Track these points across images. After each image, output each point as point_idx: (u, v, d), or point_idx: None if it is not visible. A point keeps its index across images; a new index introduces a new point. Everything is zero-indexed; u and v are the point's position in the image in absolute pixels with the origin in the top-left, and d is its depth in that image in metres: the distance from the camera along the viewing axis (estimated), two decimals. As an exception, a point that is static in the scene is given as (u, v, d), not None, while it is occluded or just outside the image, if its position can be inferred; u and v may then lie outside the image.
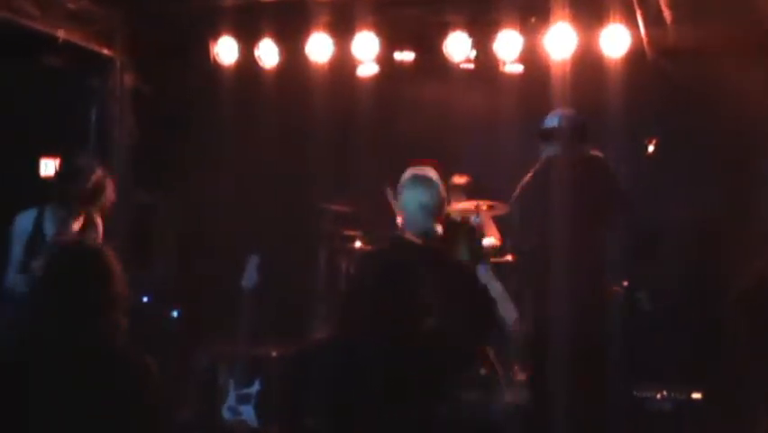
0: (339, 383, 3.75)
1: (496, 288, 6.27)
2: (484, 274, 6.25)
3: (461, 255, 6.19)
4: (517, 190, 7.18)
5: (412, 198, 5.61)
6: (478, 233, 6.55)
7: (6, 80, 8.73)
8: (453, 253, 6.24)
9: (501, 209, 8.60)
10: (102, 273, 3.80)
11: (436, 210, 5.59)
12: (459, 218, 6.33)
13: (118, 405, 3.68)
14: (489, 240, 8.25)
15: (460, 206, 8.62)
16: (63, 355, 3.67)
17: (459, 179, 8.98)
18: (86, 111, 9.10)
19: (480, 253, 6.26)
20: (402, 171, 5.92)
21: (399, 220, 5.92)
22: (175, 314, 8.84)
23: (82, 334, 3.71)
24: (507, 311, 6.30)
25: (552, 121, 7.08)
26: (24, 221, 6.63)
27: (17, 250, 6.56)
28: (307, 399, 3.81)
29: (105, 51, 8.88)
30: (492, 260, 8.52)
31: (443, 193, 5.87)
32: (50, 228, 6.60)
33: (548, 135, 7.02)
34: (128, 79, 9.10)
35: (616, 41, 8.05)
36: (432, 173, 5.77)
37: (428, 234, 5.51)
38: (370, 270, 4.07)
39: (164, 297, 8.59)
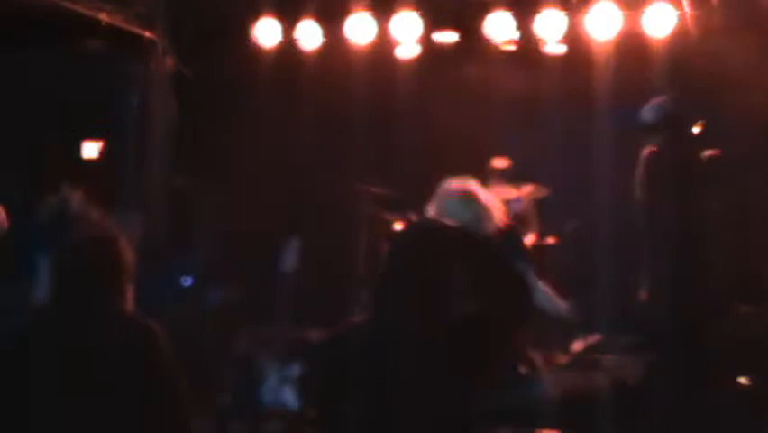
0: (373, 367, 3.65)
1: (541, 289, 6.34)
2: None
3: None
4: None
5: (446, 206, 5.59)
6: (519, 229, 6.42)
7: (50, 65, 8.76)
8: None
9: (542, 193, 8.54)
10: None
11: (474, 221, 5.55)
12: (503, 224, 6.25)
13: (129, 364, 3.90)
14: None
15: (501, 190, 8.55)
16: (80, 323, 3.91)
17: (499, 163, 8.90)
18: (127, 95, 9.17)
19: (527, 259, 6.20)
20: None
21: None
22: (216, 297, 8.74)
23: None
24: (556, 307, 6.49)
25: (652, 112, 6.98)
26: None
27: None
28: (344, 382, 3.79)
29: (147, 34, 8.89)
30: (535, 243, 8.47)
31: (485, 211, 5.80)
32: None
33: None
34: (169, 63, 9.11)
35: (660, 20, 7.96)
36: (473, 187, 5.71)
37: None
38: (400, 252, 3.95)
39: (205, 280, 8.50)
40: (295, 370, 7.47)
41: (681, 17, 7.96)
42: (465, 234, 3.94)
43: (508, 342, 4.05)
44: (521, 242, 6.40)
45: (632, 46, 8.14)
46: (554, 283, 7.47)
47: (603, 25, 8.09)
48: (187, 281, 8.60)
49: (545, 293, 6.42)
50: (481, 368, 3.74)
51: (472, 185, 6.01)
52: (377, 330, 3.67)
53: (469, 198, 5.91)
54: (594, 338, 8.24)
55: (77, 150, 9.46)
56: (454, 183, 5.92)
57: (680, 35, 8.06)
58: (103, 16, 8.21)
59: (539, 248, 8.57)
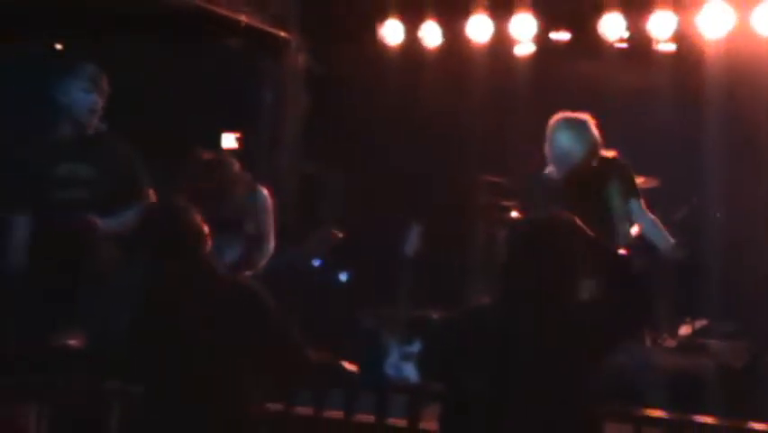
0: (498, 346, 3.72)
1: (649, 219, 6.34)
2: (637, 211, 6.27)
3: (612, 191, 6.03)
4: None
5: (559, 139, 5.94)
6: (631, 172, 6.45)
7: (194, 62, 9.00)
8: (603, 188, 6.12)
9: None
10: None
11: (585, 152, 5.89)
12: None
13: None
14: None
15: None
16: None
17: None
18: (262, 89, 9.32)
19: (634, 190, 6.16)
20: None
21: (550, 169, 6.12)
22: (343, 277, 9.00)
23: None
24: (663, 239, 6.32)
25: None
26: None
27: None
28: (468, 359, 3.87)
29: (282, 34, 9.07)
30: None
31: (593, 136, 5.91)
32: None
33: None
34: (301, 60, 9.30)
35: None
36: (583, 116, 5.97)
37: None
38: (523, 239, 4.09)
39: (333, 261, 8.69)
40: (415, 347, 7.53)
41: None
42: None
43: (625, 338, 4.14)
44: (631, 175, 6.38)
45: (742, 44, 8.02)
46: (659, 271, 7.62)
47: (714, 24, 7.97)
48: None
49: (654, 224, 6.36)
50: (599, 353, 3.86)
51: (583, 116, 6.15)
52: (503, 311, 3.81)
53: (580, 131, 6.08)
54: (700, 323, 8.19)
55: (217, 139, 9.60)
56: (565, 115, 6.09)
57: None
58: (242, 18, 8.42)
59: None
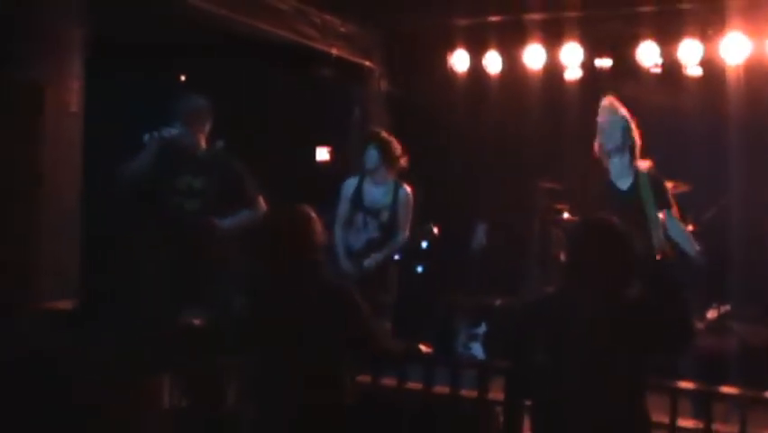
0: (561, 329, 3.77)
1: (681, 228, 6.19)
2: (670, 220, 6.13)
3: (647, 201, 6.00)
4: None
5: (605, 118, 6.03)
6: (662, 180, 6.35)
7: (292, 87, 9.13)
8: (639, 197, 6.13)
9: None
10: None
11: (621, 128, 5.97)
12: (646, 166, 6.17)
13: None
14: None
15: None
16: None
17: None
18: (350, 110, 9.31)
19: (666, 200, 6.10)
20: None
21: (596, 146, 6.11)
22: (419, 269, 9.01)
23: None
24: (691, 247, 6.15)
25: None
26: (349, 185, 6.94)
27: (344, 208, 6.85)
28: (535, 339, 3.86)
29: (366, 63, 9.11)
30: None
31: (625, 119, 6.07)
32: (367, 193, 6.86)
33: None
34: (383, 85, 9.31)
35: None
36: (615, 101, 6.09)
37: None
38: (586, 237, 4.13)
39: (411, 256, 8.76)
40: (481, 329, 7.60)
41: None
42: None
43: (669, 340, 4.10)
44: (664, 185, 6.27)
45: (758, 68, 7.98)
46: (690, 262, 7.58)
47: (733, 51, 7.94)
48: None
49: (682, 231, 6.20)
50: (649, 344, 3.86)
51: (615, 100, 6.16)
52: (566, 300, 3.83)
53: (611, 110, 6.14)
54: (726, 308, 7.94)
55: (313, 152, 9.72)
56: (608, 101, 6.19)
57: None
58: (333, 50, 8.48)
59: None
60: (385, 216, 6.74)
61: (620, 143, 6.07)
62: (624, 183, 6.18)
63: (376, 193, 6.83)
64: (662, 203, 6.09)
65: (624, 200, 6.03)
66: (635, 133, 6.18)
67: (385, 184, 6.84)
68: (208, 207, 5.86)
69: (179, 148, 5.91)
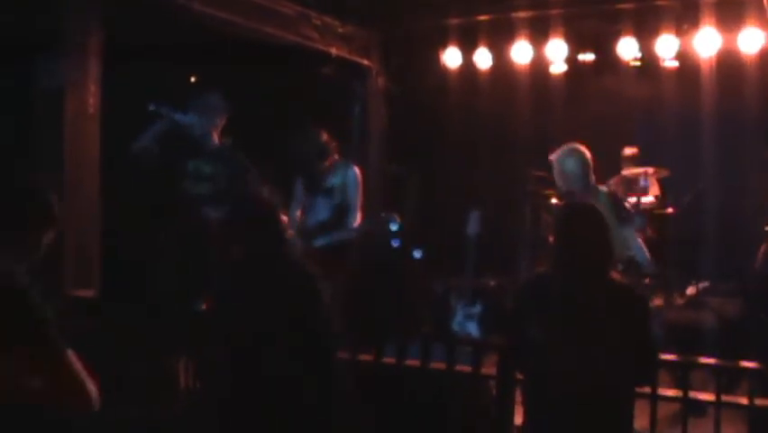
0: (551, 307, 3.76)
1: (638, 244, 6.12)
2: (630, 237, 6.03)
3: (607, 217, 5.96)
4: None
5: (563, 165, 5.86)
6: (620, 198, 6.27)
7: (295, 85, 9.11)
8: None
9: (663, 173, 8.52)
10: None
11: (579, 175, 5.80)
12: (605, 188, 6.17)
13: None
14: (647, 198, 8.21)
15: (632, 171, 8.61)
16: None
17: (629, 150, 8.87)
18: (350, 106, 9.31)
19: (625, 216, 6.07)
20: (585, 142, 6.05)
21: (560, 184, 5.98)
22: (417, 254, 8.87)
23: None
24: (647, 261, 6.06)
25: None
26: None
27: (299, 190, 6.77)
28: (527, 317, 3.85)
29: (365, 62, 9.08)
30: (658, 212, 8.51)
31: (585, 162, 5.88)
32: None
33: None
34: (381, 83, 9.27)
35: (751, 40, 7.80)
36: (579, 147, 5.88)
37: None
38: (569, 219, 4.14)
39: (410, 241, 8.78)
40: (477, 308, 7.49)
41: (767, 38, 7.75)
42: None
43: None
44: (621, 202, 6.17)
45: (729, 61, 8.00)
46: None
47: (706, 45, 7.96)
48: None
49: (640, 246, 6.07)
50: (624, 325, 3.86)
51: (578, 146, 5.96)
52: (556, 279, 3.83)
53: (578, 156, 5.92)
54: (704, 284, 8.11)
55: None
56: (570, 145, 5.98)
57: (766, 52, 7.85)
58: (333, 50, 8.44)
59: (662, 216, 8.39)
60: (338, 197, 6.63)
61: (586, 184, 6.05)
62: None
63: (327, 175, 6.71)
64: (622, 220, 5.94)
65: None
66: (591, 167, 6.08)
67: (335, 165, 6.74)
68: (216, 192, 5.96)
69: (192, 136, 5.96)
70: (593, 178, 6.02)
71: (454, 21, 8.72)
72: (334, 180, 6.69)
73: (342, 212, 6.61)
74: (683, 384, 4.44)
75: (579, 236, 3.85)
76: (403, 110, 9.30)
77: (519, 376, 4.29)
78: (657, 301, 7.61)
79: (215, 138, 6.12)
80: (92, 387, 2.86)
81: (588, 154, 5.97)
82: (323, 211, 6.68)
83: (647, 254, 6.13)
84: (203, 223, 5.93)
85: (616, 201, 6.05)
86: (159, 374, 5.08)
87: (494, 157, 9.42)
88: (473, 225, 7.75)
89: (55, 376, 2.80)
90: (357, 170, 6.76)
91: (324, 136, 6.73)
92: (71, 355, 2.84)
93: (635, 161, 8.77)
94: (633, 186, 8.59)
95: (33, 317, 2.81)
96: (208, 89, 6.44)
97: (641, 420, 4.17)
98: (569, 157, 5.99)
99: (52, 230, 3.14)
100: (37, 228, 3.10)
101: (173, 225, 6.14)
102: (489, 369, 4.70)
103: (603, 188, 6.19)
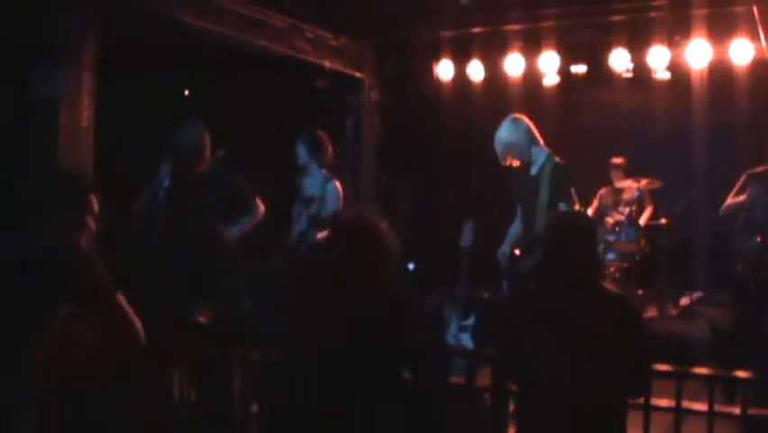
0: (543, 318, 3.72)
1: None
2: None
3: (545, 186, 6.03)
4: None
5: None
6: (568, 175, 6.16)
7: (290, 97, 9.12)
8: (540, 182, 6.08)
9: (655, 184, 8.53)
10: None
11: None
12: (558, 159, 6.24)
13: None
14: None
15: (624, 183, 8.62)
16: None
17: (617, 160, 8.90)
18: (344, 118, 9.31)
19: (566, 195, 6.03)
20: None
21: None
22: (411, 266, 9.00)
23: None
24: None
25: None
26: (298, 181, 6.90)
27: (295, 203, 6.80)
28: (521, 328, 3.81)
29: (358, 75, 9.09)
30: (650, 223, 8.51)
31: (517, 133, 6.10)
32: (303, 185, 6.78)
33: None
34: (374, 95, 9.29)
35: (741, 52, 7.86)
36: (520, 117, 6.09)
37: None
38: (558, 230, 4.14)
39: (403, 253, 8.72)
40: (470, 320, 7.47)
41: (758, 49, 7.82)
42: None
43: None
44: (568, 179, 6.11)
45: (720, 72, 8.05)
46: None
47: (698, 56, 8.01)
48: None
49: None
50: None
51: (519, 115, 6.13)
52: (545, 291, 3.81)
53: (517, 122, 6.12)
54: (698, 295, 8.20)
55: None
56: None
57: (756, 63, 7.92)
58: (326, 63, 8.46)
59: (654, 227, 8.55)
60: (314, 207, 6.62)
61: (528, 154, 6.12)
62: (534, 169, 6.23)
63: (309, 185, 6.75)
64: (560, 196, 5.93)
65: (529, 183, 6.17)
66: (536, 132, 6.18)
67: (317, 177, 6.75)
68: (217, 219, 5.96)
69: (184, 175, 5.97)
70: (540, 141, 6.15)
71: (447, 33, 8.74)
72: (314, 191, 6.70)
73: (316, 224, 6.59)
74: (677, 394, 4.43)
75: (568, 246, 3.82)
76: (396, 122, 9.31)
77: (513, 387, 4.26)
78: (651, 312, 7.68)
79: (205, 164, 6.11)
80: (139, 324, 3.16)
81: (526, 119, 6.09)
82: (302, 222, 6.70)
83: None
84: (209, 234, 5.92)
85: (564, 177, 6.02)
86: (154, 382, 5.03)
87: (487, 168, 9.36)
88: (467, 237, 7.69)
89: (112, 320, 3.12)
90: (338, 184, 6.75)
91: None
92: (121, 298, 3.14)
93: (623, 170, 8.84)
94: (623, 196, 8.63)
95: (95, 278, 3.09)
96: (194, 107, 6.38)
97: (634, 431, 4.15)
98: (505, 126, 6.14)
99: (95, 199, 3.34)
100: (81, 198, 3.31)
101: (173, 235, 6.09)
102: (483, 380, 4.71)
103: (557, 158, 6.16)
